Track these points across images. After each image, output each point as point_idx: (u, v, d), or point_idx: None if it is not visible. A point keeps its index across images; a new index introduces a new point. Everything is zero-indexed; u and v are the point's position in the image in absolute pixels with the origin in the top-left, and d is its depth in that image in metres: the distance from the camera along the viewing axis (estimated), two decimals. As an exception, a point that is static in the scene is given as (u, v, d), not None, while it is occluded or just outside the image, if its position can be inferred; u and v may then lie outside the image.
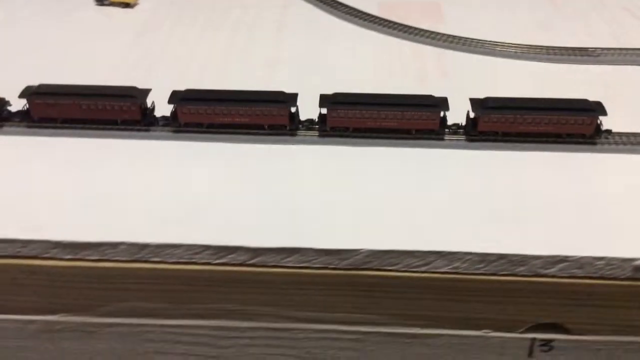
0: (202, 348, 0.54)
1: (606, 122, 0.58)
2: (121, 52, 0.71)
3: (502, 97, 0.58)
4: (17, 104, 0.60)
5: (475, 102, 0.58)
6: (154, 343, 0.54)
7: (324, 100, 0.58)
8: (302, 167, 0.55)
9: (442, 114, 0.58)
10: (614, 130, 0.58)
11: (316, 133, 0.59)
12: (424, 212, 0.50)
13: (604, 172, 0.55)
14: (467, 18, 0.78)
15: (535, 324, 0.51)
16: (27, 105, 0.59)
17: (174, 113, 0.59)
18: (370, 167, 0.55)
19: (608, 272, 0.47)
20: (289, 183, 0.53)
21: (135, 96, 0.58)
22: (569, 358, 0.53)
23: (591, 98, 0.58)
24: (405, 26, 0.74)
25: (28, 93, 0.59)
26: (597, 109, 0.57)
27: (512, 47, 0.71)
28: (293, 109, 0.58)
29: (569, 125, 0.57)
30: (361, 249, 0.47)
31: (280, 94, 0.58)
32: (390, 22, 0.75)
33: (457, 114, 0.58)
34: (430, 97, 0.58)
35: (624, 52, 0.70)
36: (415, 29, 0.73)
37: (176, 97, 0.58)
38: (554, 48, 0.71)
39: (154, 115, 0.60)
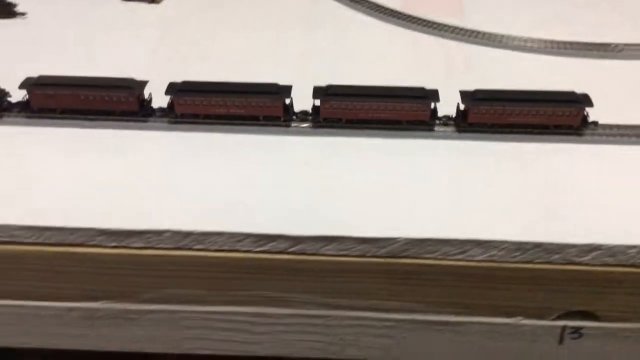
0: (239, 334, 0.55)
1: (610, 115, 0.59)
2: (150, 46, 0.73)
3: (491, 89, 0.59)
4: (18, 96, 0.61)
5: (465, 94, 0.59)
6: (192, 329, 0.55)
7: (318, 91, 0.59)
8: (325, 157, 0.56)
9: (432, 105, 0.59)
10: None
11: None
12: (455, 202, 0.51)
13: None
14: (488, 14, 0.79)
15: (565, 312, 0.53)
16: (27, 96, 0.60)
17: (170, 104, 0.60)
18: (388, 159, 0.56)
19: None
20: (319, 173, 0.55)
21: (132, 87, 0.59)
22: (597, 345, 0.54)
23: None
24: (430, 21, 0.75)
25: (28, 84, 0.60)
26: (584, 100, 0.58)
27: (534, 42, 0.72)
28: (287, 101, 0.60)
29: (556, 116, 0.58)
30: (399, 238, 0.48)
31: (275, 86, 0.60)
32: (414, 17, 0.76)
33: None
34: (421, 89, 0.59)
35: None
36: (439, 24, 0.75)
37: (173, 89, 0.59)
38: (574, 43, 0.72)
39: (151, 107, 0.61)
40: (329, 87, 0.59)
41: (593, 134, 0.58)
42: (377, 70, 0.69)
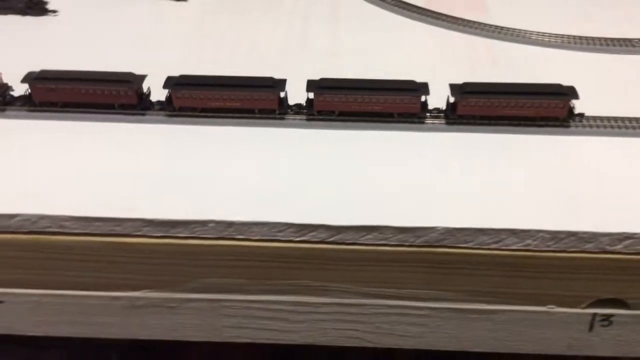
0: (277, 323, 0.57)
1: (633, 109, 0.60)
2: (180, 43, 0.74)
3: (479, 82, 0.61)
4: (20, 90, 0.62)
5: (454, 87, 0.60)
6: (231, 318, 0.57)
7: (311, 85, 0.61)
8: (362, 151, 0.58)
9: (423, 98, 0.60)
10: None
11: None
12: (492, 192, 0.53)
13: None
14: (511, 9, 0.81)
15: (596, 299, 0.54)
16: (29, 90, 0.62)
17: (168, 98, 0.62)
18: (410, 149, 0.58)
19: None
20: (351, 164, 0.56)
21: (131, 81, 0.61)
22: (627, 332, 0.56)
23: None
24: (454, 17, 0.76)
25: (30, 78, 0.61)
26: (570, 93, 0.60)
27: (559, 37, 0.73)
28: (282, 94, 0.61)
29: (543, 108, 0.60)
30: (437, 227, 0.50)
31: (270, 79, 0.61)
32: (438, 13, 0.77)
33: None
34: (411, 82, 0.61)
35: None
36: (464, 20, 0.76)
37: (170, 82, 0.61)
38: (598, 38, 0.73)
39: (150, 100, 0.62)
40: (322, 80, 0.61)
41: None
42: (403, 65, 0.70)
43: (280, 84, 0.60)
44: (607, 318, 0.55)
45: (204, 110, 0.61)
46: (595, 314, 0.55)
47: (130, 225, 0.50)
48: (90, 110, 0.61)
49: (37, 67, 0.63)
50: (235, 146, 0.58)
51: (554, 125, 0.60)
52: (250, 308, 0.55)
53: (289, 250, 0.51)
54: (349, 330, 0.57)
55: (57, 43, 0.74)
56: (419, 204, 0.51)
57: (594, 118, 0.60)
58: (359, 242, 0.51)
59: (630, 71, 0.69)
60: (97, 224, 0.50)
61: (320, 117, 0.61)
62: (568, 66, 0.70)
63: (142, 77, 0.61)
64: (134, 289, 0.54)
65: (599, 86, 0.66)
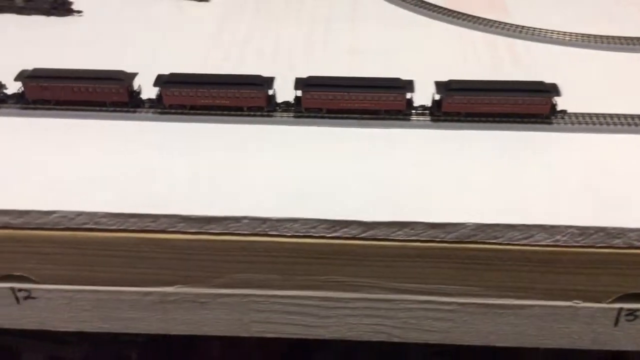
0: (306, 318, 0.58)
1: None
2: (204, 43, 0.75)
3: (464, 80, 0.62)
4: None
5: (439, 85, 0.61)
6: (260, 313, 0.57)
7: (299, 83, 0.62)
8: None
9: (408, 95, 0.61)
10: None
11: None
12: (519, 188, 0.54)
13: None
14: (530, 8, 0.81)
15: (622, 294, 0.55)
16: (22, 88, 0.63)
17: (159, 96, 0.63)
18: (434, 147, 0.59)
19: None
20: (381, 159, 0.57)
21: (122, 79, 0.62)
22: (651, 327, 0.57)
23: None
24: (475, 17, 0.77)
25: (23, 76, 0.62)
26: (552, 90, 0.61)
27: (579, 36, 0.74)
28: (270, 92, 0.62)
29: (526, 105, 0.61)
30: (468, 223, 0.50)
31: (258, 77, 0.62)
32: (459, 13, 0.78)
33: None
34: (397, 79, 0.62)
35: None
36: (485, 19, 0.77)
37: (160, 80, 0.62)
38: (618, 37, 0.74)
39: (140, 98, 0.63)
40: (310, 78, 0.62)
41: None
42: (425, 65, 0.70)
43: (269, 81, 0.62)
44: (632, 313, 0.56)
45: (193, 107, 0.62)
46: (621, 309, 0.55)
47: (165, 221, 0.51)
48: (82, 108, 0.62)
49: (59, 66, 0.63)
50: (252, 143, 0.59)
51: (535, 122, 0.61)
52: (279, 303, 0.56)
53: (321, 247, 0.52)
54: (376, 325, 0.58)
55: (81, 43, 0.75)
56: (449, 199, 0.52)
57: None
58: (390, 237, 0.51)
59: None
60: (132, 220, 0.51)
61: (308, 114, 0.62)
62: (589, 65, 0.71)
63: (132, 75, 0.62)
64: (166, 284, 0.55)
65: (620, 85, 0.67)
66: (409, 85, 0.61)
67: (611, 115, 0.61)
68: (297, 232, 0.51)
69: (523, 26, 0.75)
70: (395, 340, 0.58)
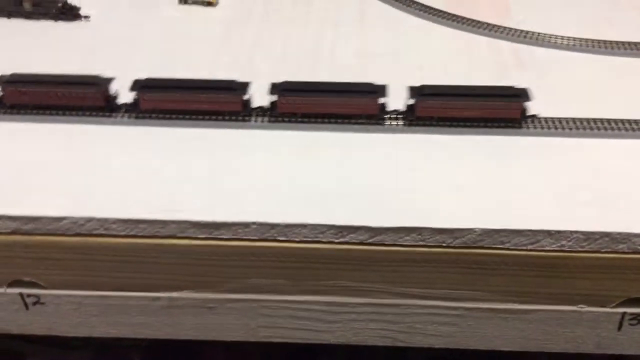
0: (313, 323, 0.58)
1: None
2: (212, 48, 0.75)
3: (437, 85, 0.62)
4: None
5: (413, 90, 0.62)
6: (267, 318, 0.58)
7: (275, 87, 0.62)
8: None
9: (381, 100, 0.62)
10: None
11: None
12: (521, 194, 0.54)
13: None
14: (534, 13, 0.81)
15: (626, 299, 0.55)
16: (1, 92, 0.63)
17: (135, 100, 0.63)
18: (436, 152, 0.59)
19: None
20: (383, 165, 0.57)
21: (99, 84, 0.62)
22: (655, 331, 0.57)
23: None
24: (480, 22, 0.77)
25: (1, 81, 0.63)
26: (523, 94, 0.61)
27: (586, 41, 0.74)
28: (246, 97, 0.62)
29: (498, 110, 0.61)
30: (475, 228, 0.51)
31: (233, 82, 0.63)
32: (463, 17, 0.78)
33: (542, 104, 0.62)
34: (369, 84, 0.62)
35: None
36: (489, 24, 0.77)
37: (137, 85, 0.62)
38: (622, 42, 0.74)
39: (116, 103, 0.64)
40: (285, 83, 0.62)
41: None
42: (432, 71, 0.71)
43: (244, 87, 0.62)
44: (636, 317, 0.56)
45: (169, 112, 0.62)
46: (624, 313, 0.56)
47: (175, 227, 0.51)
48: (57, 112, 0.62)
49: (67, 71, 0.64)
50: (255, 148, 0.59)
51: (506, 126, 0.61)
52: (286, 308, 0.57)
53: (329, 252, 0.52)
54: (382, 330, 0.58)
55: (88, 48, 0.75)
56: (456, 205, 0.53)
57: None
58: (398, 243, 0.52)
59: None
60: (142, 225, 0.51)
61: (283, 119, 0.62)
62: (592, 69, 0.71)
63: (109, 80, 0.63)
64: (174, 289, 0.56)
65: (621, 89, 0.68)
66: (381, 90, 0.62)
67: (588, 120, 0.61)
68: (305, 237, 0.52)
69: (527, 31, 0.75)
70: (400, 344, 0.59)
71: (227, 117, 0.62)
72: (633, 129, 0.61)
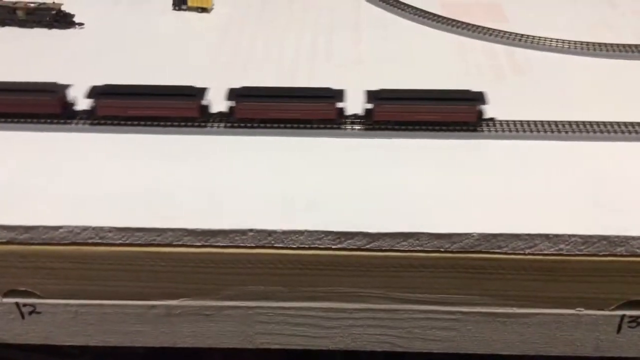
0: (310, 329, 0.58)
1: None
2: (207, 54, 0.75)
3: (395, 89, 0.62)
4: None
5: (370, 94, 0.62)
6: (265, 324, 0.57)
7: (232, 93, 0.62)
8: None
9: (338, 104, 0.62)
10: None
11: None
12: (519, 197, 0.54)
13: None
14: (529, 17, 0.82)
15: (625, 301, 0.55)
16: None
17: (93, 107, 0.63)
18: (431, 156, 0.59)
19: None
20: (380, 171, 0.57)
21: (55, 91, 0.62)
22: (654, 334, 0.57)
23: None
24: (475, 25, 0.78)
25: None
26: (479, 98, 0.61)
27: (577, 44, 0.74)
28: (203, 102, 0.62)
29: (455, 114, 0.62)
30: (472, 233, 0.51)
31: (190, 88, 0.63)
32: (460, 22, 0.79)
33: (534, 110, 0.62)
34: (327, 89, 0.62)
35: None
36: (484, 27, 0.77)
37: (94, 92, 0.62)
38: (617, 45, 0.74)
39: (73, 110, 0.63)
40: (243, 88, 0.62)
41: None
42: (428, 75, 0.71)
43: (201, 92, 0.62)
44: (635, 319, 0.56)
45: (126, 118, 0.62)
46: (623, 316, 0.56)
47: (171, 235, 0.51)
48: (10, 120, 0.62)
49: (61, 80, 0.64)
50: (249, 153, 0.59)
51: (463, 130, 0.61)
52: (284, 315, 0.56)
53: (326, 258, 0.52)
54: (381, 335, 0.58)
55: (82, 56, 0.75)
56: (453, 209, 0.53)
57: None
58: (395, 248, 0.52)
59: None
60: (138, 234, 0.51)
61: (243, 124, 0.62)
62: (588, 72, 0.71)
63: (65, 87, 0.63)
64: (171, 297, 0.55)
65: (617, 92, 0.68)
66: (339, 95, 0.62)
67: (584, 123, 0.61)
68: (302, 244, 0.52)
69: (523, 34, 0.76)
70: (399, 350, 0.59)
71: (183, 124, 0.62)
72: (630, 132, 0.61)
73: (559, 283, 0.54)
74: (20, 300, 0.56)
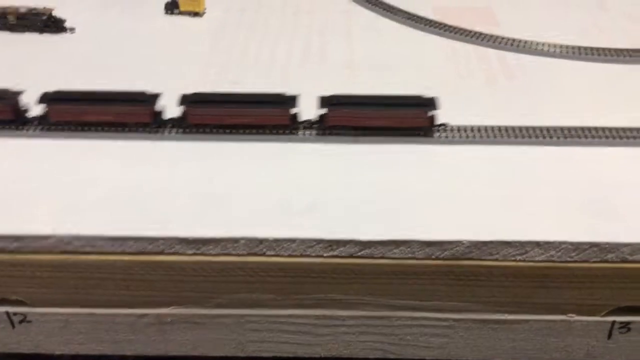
0: (302, 336, 0.58)
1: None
2: (199, 59, 0.75)
3: (347, 94, 0.62)
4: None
5: (323, 99, 0.62)
6: (257, 332, 0.57)
7: (184, 99, 0.62)
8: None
9: (292, 110, 0.62)
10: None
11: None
12: (508, 204, 0.54)
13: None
14: (520, 22, 0.82)
15: (616, 307, 0.55)
16: None
17: (46, 112, 0.63)
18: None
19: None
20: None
21: (5, 98, 0.62)
22: (645, 339, 0.57)
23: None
24: (466, 30, 0.78)
25: None
26: (430, 103, 0.61)
27: (569, 48, 0.74)
28: (156, 108, 0.62)
29: (407, 119, 0.61)
30: (463, 240, 0.51)
31: (142, 94, 0.62)
32: (451, 26, 0.79)
33: (528, 116, 0.62)
34: (279, 95, 0.62)
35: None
36: (476, 32, 0.77)
37: (46, 98, 0.62)
38: (609, 49, 0.75)
39: (26, 116, 0.63)
40: (195, 94, 0.62)
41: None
42: (420, 79, 0.71)
43: (153, 98, 0.62)
44: (625, 325, 0.56)
45: (79, 124, 0.62)
46: (614, 322, 0.56)
47: (162, 243, 0.51)
48: None
49: (53, 85, 0.63)
50: (238, 161, 0.59)
51: (415, 135, 0.61)
52: (275, 322, 0.56)
53: (318, 265, 0.52)
54: (373, 342, 0.58)
55: (74, 60, 0.74)
56: (443, 216, 0.53)
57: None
58: (386, 255, 0.52)
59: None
60: (129, 242, 0.51)
61: (197, 130, 0.62)
62: (581, 77, 0.71)
63: (18, 93, 0.62)
64: (162, 305, 0.55)
65: (614, 96, 0.68)
66: (291, 101, 0.62)
67: (576, 129, 0.61)
68: (294, 251, 0.52)
69: (514, 39, 0.76)
70: (392, 357, 0.59)
71: (134, 129, 0.62)
72: (622, 137, 0.61)
73: (550, 289, 0.54)
74: (11, 309, 0.55)
